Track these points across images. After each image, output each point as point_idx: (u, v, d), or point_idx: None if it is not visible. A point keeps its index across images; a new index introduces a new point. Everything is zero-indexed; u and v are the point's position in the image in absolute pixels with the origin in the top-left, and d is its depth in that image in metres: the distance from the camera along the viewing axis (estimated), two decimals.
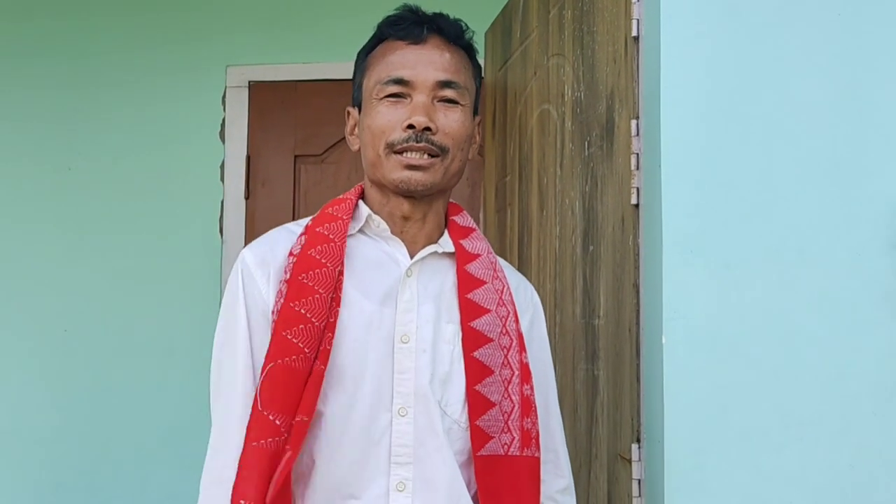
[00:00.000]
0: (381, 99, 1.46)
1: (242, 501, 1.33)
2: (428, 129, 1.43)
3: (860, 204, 1.52)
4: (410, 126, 1.42)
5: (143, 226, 3.49)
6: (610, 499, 1.84)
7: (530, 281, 2.36)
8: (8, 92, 3.56)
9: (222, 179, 3.51)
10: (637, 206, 1.75)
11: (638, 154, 1.75)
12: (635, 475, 1.70)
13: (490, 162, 2.85)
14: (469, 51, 1.55)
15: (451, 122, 1.46)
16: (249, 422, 1.37)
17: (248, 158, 3.51)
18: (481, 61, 2.91)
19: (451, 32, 1.51)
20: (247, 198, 3.50)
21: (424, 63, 1.46)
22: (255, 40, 3.53)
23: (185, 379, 3.35)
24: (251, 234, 3.45)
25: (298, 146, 3.51)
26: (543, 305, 2.23)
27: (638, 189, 1.75)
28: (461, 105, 1.48)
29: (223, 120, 3.53)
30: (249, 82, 3.54)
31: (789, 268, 1.52)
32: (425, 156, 1.44)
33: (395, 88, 1.45)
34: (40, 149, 3.55)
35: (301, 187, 3.51)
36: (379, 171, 1.47)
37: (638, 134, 1.76)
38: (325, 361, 1.38)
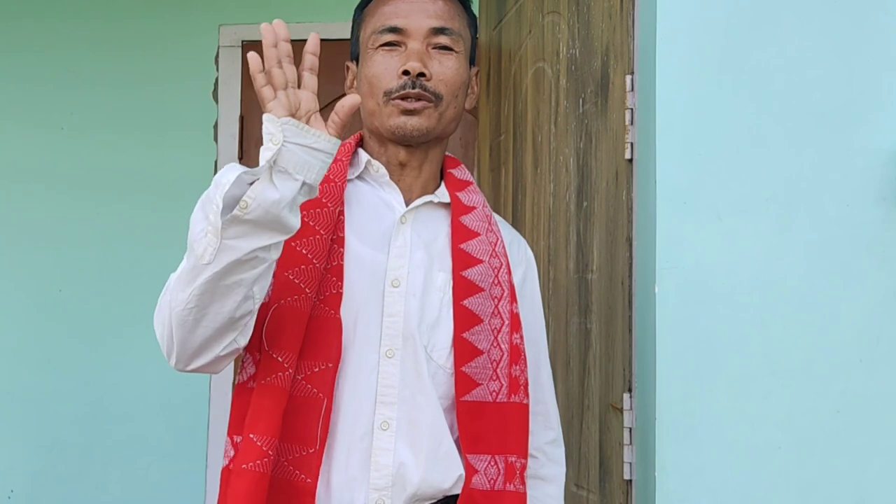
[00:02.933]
0: (377, 48, 1.48)
1: (252, 435, 1.35)
2: (422, 74, 1.46)
3: (850, 155, 1.55)
4: (405, 73, 1.45)
5: (137, 185, 3.50)
6: (601, 447, 1.88)
7: (525, 237, 2.39)
8: (18, 56, 3.55)
9: (216, 139, 3.52)
10: (631, 160, 1.77)
11: (632, 109, 1.78)
12: (626, 424, 1.74)
13: (484, 122, 2.86)
14: (463, 2, 1.56)
15: (445, 68, 1.48)
16: (260, 361, 1.39)
17: (242, 118, 3.52)
18: (476, 23, 2.93)
19: None
20: (240, 158, 3.51)
21: (417, 11, 1.48)
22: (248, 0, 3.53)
23: None
24: None
25: None
26: (537, 262, 2.25)
27: (632, 144, 1.77)
28: (455, 52, 1.50)
29: (216, 80, 3.54)
30: (242, 42, 3.54)
31: (780, 219, 1.55)
32: (420, 101, 1.46)
33: (389, 37, 1.47)
34: (33, 109, 3.56)
35: None
36: (377, 118, 1.49)
37: (633, 89, 1.78)
38: (338, 307, 1.41)
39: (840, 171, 1.54)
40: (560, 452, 1.64)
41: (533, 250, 2.30)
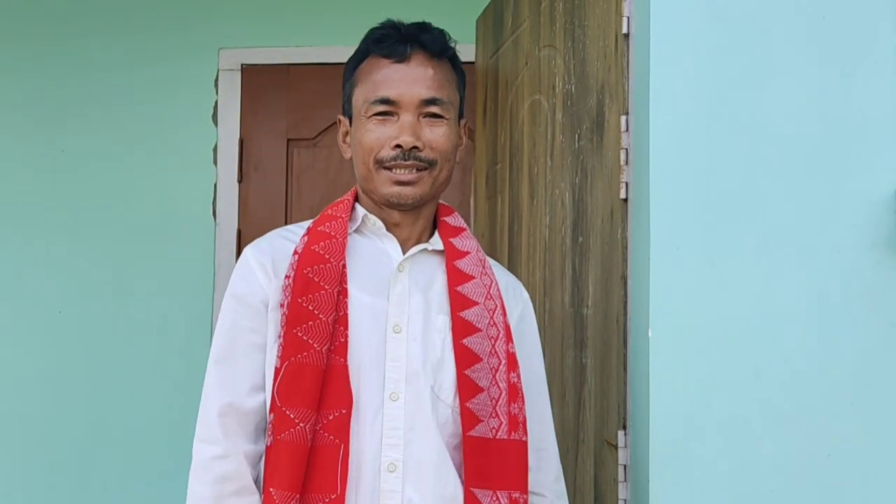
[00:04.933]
0: (370, 117, 1.54)
1: (272, 489, 1.43)
2: (415, 147, 1.52)
3: (842, 202, 1.57)
4: (398, 146, 1.51)
5: (136, 209, 3.52)
6: (596, 483, 1.90)
7: (521, 267, 2.42)
8: (0, 75, 3.57)
9: (215, 162, 3.54)
10: (626, 200, 1.80)
11: (627, 149, 1.80)
12: (621, 461, 1.76)
13: (481, 149, 2.89)
14: (453, 61, 1.62)
15: (436, 136, 1.54)
16: (273, 419, 1.46)
17: (241, 141, 3.54)
18: (472, 48, 2.97)
19: (434, 47, 1.57)
20: (240, 181, 3.53)
21: (409, 82, 1.53)
22: (248, 23, 3.55)
23: (178, 360, 3.40)
24: (244, 217, 3.49)
25: (291, 130, 3.54)
26: (534, 293, 2.29)
27: (627, 184, 1.79)
28: (446, 119, 1.56)
29: (216, 103, 3.56)
30: (242, 65, 3.57)
31: (772, 264, 1.57)
32: (414, 171, 1.53)
33: (382, 108, 1.53)
34: (33, 131, 3.57)
35: (294, 171, 3.54)
36: (370, 184, 1.56)
37: (627, 130, 1.80)
38: (345, 354, 1.47)
39: (831, 217, 1.57)
40: (563, 488, 1.68)
41: (529, 281, 2.34)
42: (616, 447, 1.78)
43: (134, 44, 3.56)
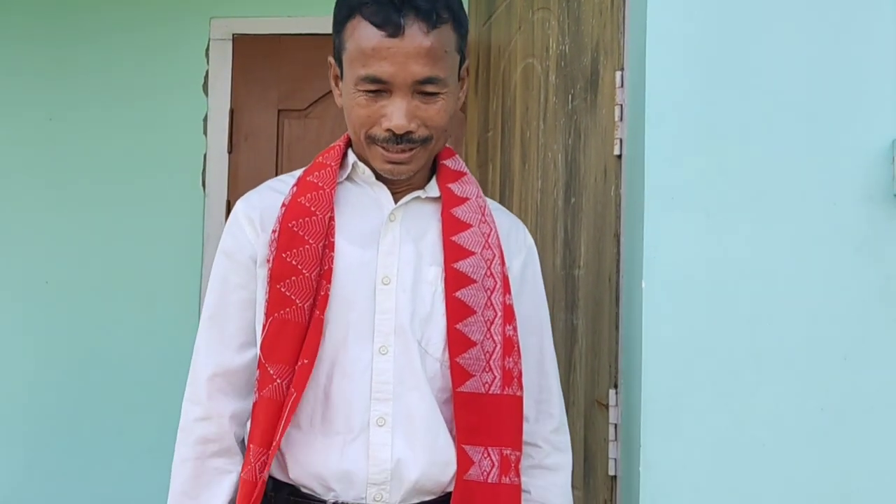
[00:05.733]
0: (361, 91, 1.43)
1: (251, 445, 1.43)
2: (409, 131, 1.42)
3: (837, 154, 1.55)
4: (390, 130, 1.42)
5: (125, 178, 3.49)
6: (586, 443, 1.88)
7: None
8: (4, 49, 3.54)
9: (205, 133, 3.51)
10: (620, 156, 1.77)
11: (622, 105, 1.78)
12: (612, 420, 1.75)
13: (472, 118, 2.86)
14: (455, 20, 1.45)
15: (431, 114, 1.43)
16: (259, 375, 1.44)
17: (232, 112, 3.51)
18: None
19: (430, 15, 1.40)
20: (230, 151, 3.50)
21: (402, 59, 1.39)
22: None
23: (166, 329, 3.38)
24: (234, 188, 3.46)
25: (282, 100, 3.51)
26: None
27: (621, 140, 1.77)
28: (442, 94, 1.43)
29: (206, 73, 3.53)
30: (233, 35, 3.54)
31: (767, 217, 1.55)
32: (407, 150, 1.44)
33: (373, 86, 1.41)
34: (21, 100, 3.54)
35: (284, 142, 3.52)
36: (363, 151, 1.49)
37: (622, 85, 1.78)
38: (324, 309, 1.43)
39: (827, 169, 1.55)
40: (565, 439, 1.62)
41: None
42: (607, 406, 1.76)
43: (125, 12, 3.53)
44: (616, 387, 1.74)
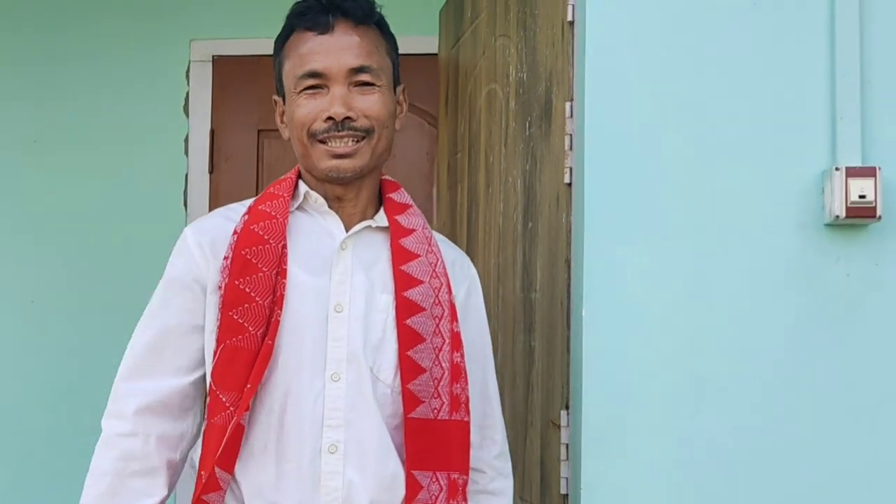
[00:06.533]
0: (300, 92, 1.51)
1: (202, 472, 1.44)
2: (348, 117, 1.48)
3: (772, 186, 1.61)
4: (330, 118, 1.48)
5: (108, 199, 3.53)
6: (542, 463, 1.94)
7: (477, 256, 2.46)
8: None
9: (186, 153, 3.56)
10: (570, 185, 1.83)
11: (571, 135, 1.83)
12: (563, 440, 1.80)
13: (442, 138, 2.92)
14: (381, 26, 1.57)
15: (369, 104, 1.50)
16: (209, 402, 1.46)
17: (212, 132, 3.56)
18: (436, 39, 3.00)
19: (357, 14, 1.53)
20: (211, 172, 3.55)
21: (335, 52, 1.49)
22: (219, 15, 3.57)
23: None
24: (215, 207, 3.49)
25: (262, 121, 3.55)
26: (489, 280, 2.33)
27: (571, 168, 1.83)
28: (378, 86, 1.52)
29: (187, 94, 3.57)
30: (213, 56, 3.58)
31: (705, 245, 1.61)
32: (350, 142, 1.50)
33: (311, 81, 1.50)
34: (6, 121, 3.59)
35: (264, 162, 3.56)
36: (308, 160, 1.53)
37: (571, 116, 1.84)
38: (274, 336, 1.45)
39: (762, 200, 1.61)
40: (508, 466, 1.67)
41: (484, 268, 2.37)
42: (559, 427, 1.82)
43: (106, 35, 3.57)
44: (567, 408, 1.80)
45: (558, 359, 1.86)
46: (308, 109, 1.50)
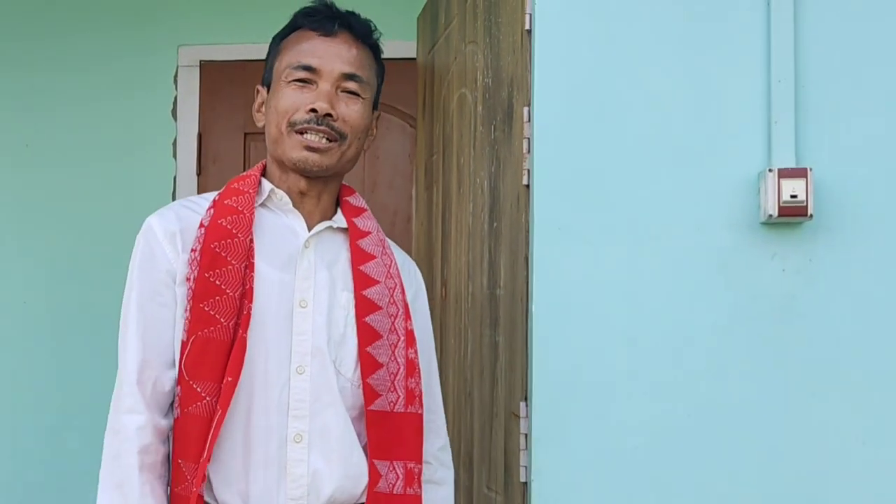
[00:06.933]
0: (290, 82, 1.58)
1: (180, 460, 1.48)
2: (329, 115, 1.55)
3: (709, 186, 1.70)
4: (313, 110, 1.55)
5: (98, 201, 3.62)
6: (506, 452, 2.02)
7: (450, 254, 2.54)
8: None
9: (175, 156, 3.65)
10: (528, 186, 1.92)
11: (529, 139, 1.92)
12: (523, 430, 1.88)
13: (420, 141, 3.00)
14: (375, 50, 1.67)
15: (351, 111, 1.59)
16: (180, 392, 1.50)
17: (200, 136, 3.65)
18: (414, 44, 3.08)
19: (360, 30, 1.63)
20: (198, 174, 3.64)
21: (332, 55, 1.59)
22: (206, 21, 3.66)
23: None
24: None
25: (248, 124, 3.63)
26: (460, 278, 2.41)
27: (528, 171, 1.91)
28: (362, 98, 1.60)
29: (175, 98, 3.66)
30: (200, 62, 3.67)
31: (641, 243, 1.70)
32: (324, 140, 1.56)
33: (302, 74, 1.57)
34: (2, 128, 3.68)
35: (251, 163, 3.64)
36: (280, 147, 1.58)
37: (529, 120, 1.92)
38: (247, 328, 1.50)
39: (699, 200, 1.69)
40: (449, 457, 1.75)
41: (456, 266, 2.45)
42: (519, 417, 1.90)
43: (96, 42, 3.66)
44: (526, 399, 1.88)
45: (519, 352, 1.94)
46: (293, 100, 1.57)
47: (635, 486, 1.66)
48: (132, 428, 1.50)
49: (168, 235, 1.54)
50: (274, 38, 1.68)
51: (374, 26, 1.68)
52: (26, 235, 3.63)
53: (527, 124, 1.92)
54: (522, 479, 1.88)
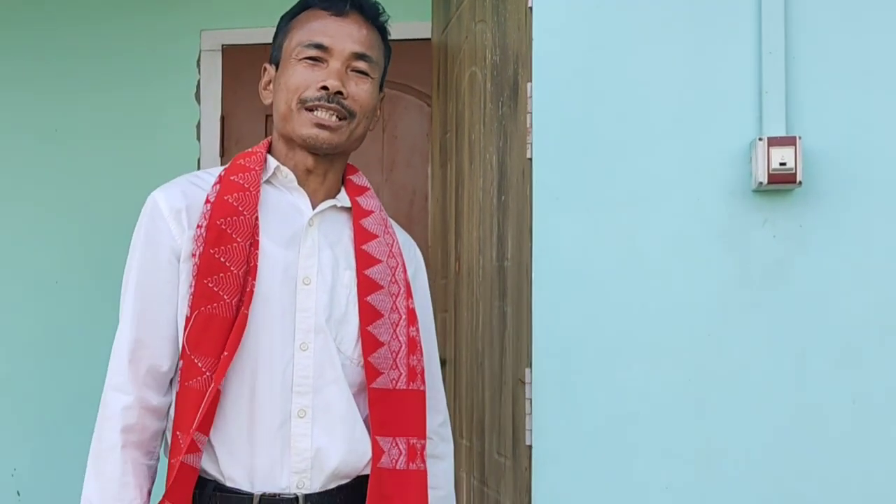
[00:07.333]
0: (300, 60, 1.57)
1: (178, 432, 1.49)
2: (339, 93, 1.55)
3: (703, 156, 1.74)
4: (324, 87, 1.55)
5: (125, 182, 3.71)
6: (514, 418, 2.09)
7: (463, 229, 2.60)
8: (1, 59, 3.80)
9: (198, 138, 3.74)
10: (531, 159, 1.97)
11: (531, 113, 1.97)
12: (528, 395, 1.95)
13: (435, 119, 3.06)
14: (383, 32, 1.67)
15: (361, 90, 1.59)
16: (182, 365, 1.51)
17: (223, 118, 3.73)
18: (429, 25, 3.14)
19: (370, 12, 1.64)
20: (221, 156, 3.72)
21: (343, 34, 1.59)
22: (228, 6, 3.74)
23: None
24: None
25: (269, 106, 3.71)
26: (472, 252, 2.48)
27: (531, 145, 1.97)
28: (371, 78, 1.61)
29: (198, 82, 3.75)
30: (223, 46, 3.75)
31: (640, 212, 1.75)
32: (334, 117, 1.56)
33: (314, 52, 1.57)
34: (29, 112, 3.79)
35: None
36: (289, 124, 1.58)
37: (531, 96, 1.97)
38: (249, 305, 1.50)
39: (693, 169, 1.74)
40: (448, 432, 1.77)
41: (468, 241, 2.52)
42: (524, 383, 1.97)
43: (121, 27, 3.76)
44: (531, 366, 1.94)
45: (524, 321, 2.00)
46: (304, 77, 1.57)
47: (635, 449, 1.73)
48: (117, 406, 1.53)
49: (173, 212, 1.55)
50: (283, 17, 1.68)
51: (383, 8, 1.70)
52: (58, 217, 3.74)
53: (530, 99, 1.98)
54: (528, 443, 1.94)
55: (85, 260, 3.73)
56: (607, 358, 1.74)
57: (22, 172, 3.77)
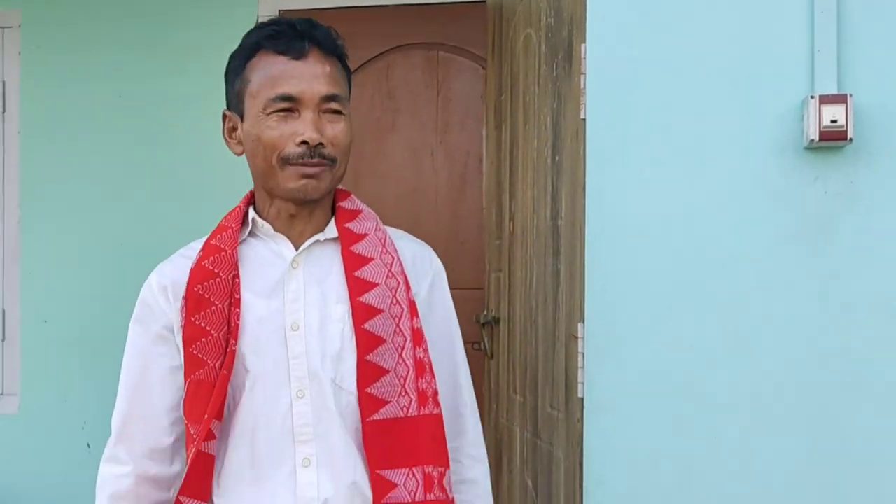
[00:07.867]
0: (270, 114, 1.50)
1: (181, 497, 1.51)
2: (320, 143, 1.49)
3: (755, 114, 1.77)
4: (304, 142, 1.48)
5: (185, 144, 3.84)
6: (567, 372, 2.15)
7: (517, 190, 2.65)
8: (72, 27, 3.92)
9: None
10: (584, 119, 2.01)
11: (584, 74, 2.01)
12: (580, 350, 2.00)
13: (490, 82, 3.11)
14: (342, 59, 1.59)
15: (338, 132, 1.52)
16: (186, 434, 1.53)
17: None
18: None
19: (327, 44, 1.54)
20: None
21: (308, 77, 1.50)
22: None
23: None
24: None
25: None
26: (526, 212, 2.53)
27: (585, 105, 2.01)
28: (344, 115, 1.54)
29: None
30: (280, 11, 3.82)
31: (692, 170, 1.79)
32: (318, 167, 1.51)
33: (283, 105, 1.49)
34: (95, 78, 3.91)
35: None
36: (272, 180, 1.52)
37: (585, 57, 2.01)
38: (230, 367, 1.50)
39: (745, 126, 1.77)
40: (481, 451, 1.69)
41: (523, 201, 2.58)
42: (577, 338, 2.02)
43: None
44: (583, 321, 2.00)
45: (578, 278, 2.05)
46: (279, 132, 1.49)
47: (684, 401, 1.78)
48: (108, 476, 1.58)
49: (161, 289, 1.56)
50: (232, 57, 1.59)
51: (336, 32, 1.59)
52: (122, 180, 3.87)
53: (584, 60, 2.02)
54: (580, 395, 2.00)
55: (148, 223, 3.85)
56: (658, 313, 1.79)
57: (88, 137, 3.91)
